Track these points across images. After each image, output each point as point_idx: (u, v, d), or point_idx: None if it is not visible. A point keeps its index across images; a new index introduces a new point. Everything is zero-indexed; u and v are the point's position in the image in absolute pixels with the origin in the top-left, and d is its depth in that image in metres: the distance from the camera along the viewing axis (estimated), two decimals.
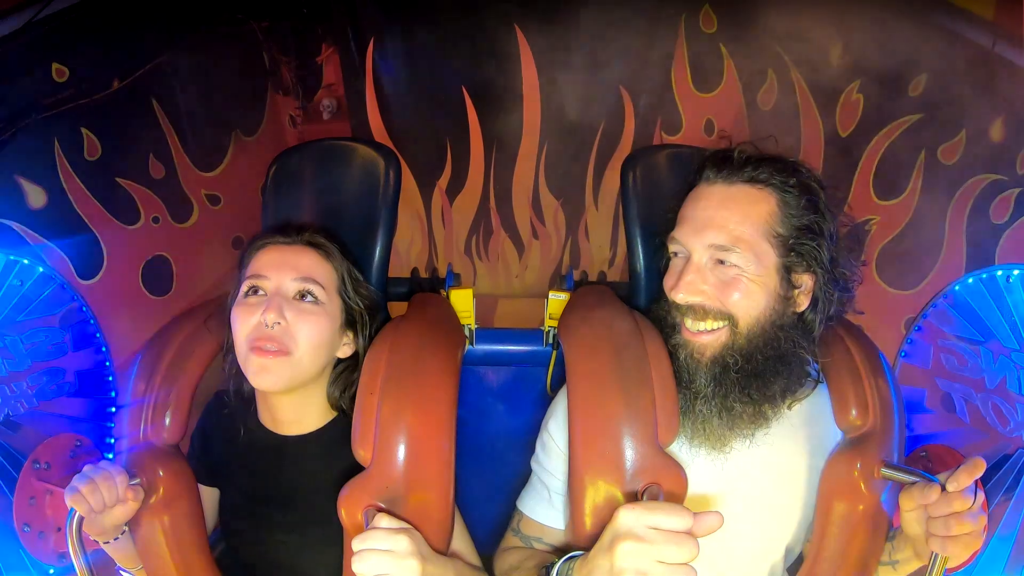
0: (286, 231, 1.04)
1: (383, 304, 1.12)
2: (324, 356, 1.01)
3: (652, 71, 2.16)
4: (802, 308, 0.95)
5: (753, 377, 0.91)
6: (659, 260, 1.05)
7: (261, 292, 0.98)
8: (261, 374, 0.94)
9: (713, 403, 0.91)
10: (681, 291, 0.91)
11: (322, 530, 1.00)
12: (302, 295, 0.98)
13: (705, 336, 0.91)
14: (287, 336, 0.95)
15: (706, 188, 0.94)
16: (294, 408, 1.03)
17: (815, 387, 0.99)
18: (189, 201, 1.64)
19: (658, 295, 1.01)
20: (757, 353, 0.91)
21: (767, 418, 0.94)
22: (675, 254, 0.96)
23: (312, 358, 0.98)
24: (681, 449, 0.95)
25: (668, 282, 0.95)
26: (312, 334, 0.97)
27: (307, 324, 0.97)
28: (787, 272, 0.91)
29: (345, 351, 1.05)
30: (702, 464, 0.95)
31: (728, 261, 0.90)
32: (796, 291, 0.93)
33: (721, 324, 0.91)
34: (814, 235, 0.91)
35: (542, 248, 2.41)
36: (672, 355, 0.93)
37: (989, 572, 1.12)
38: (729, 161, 0.93)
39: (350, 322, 1.04)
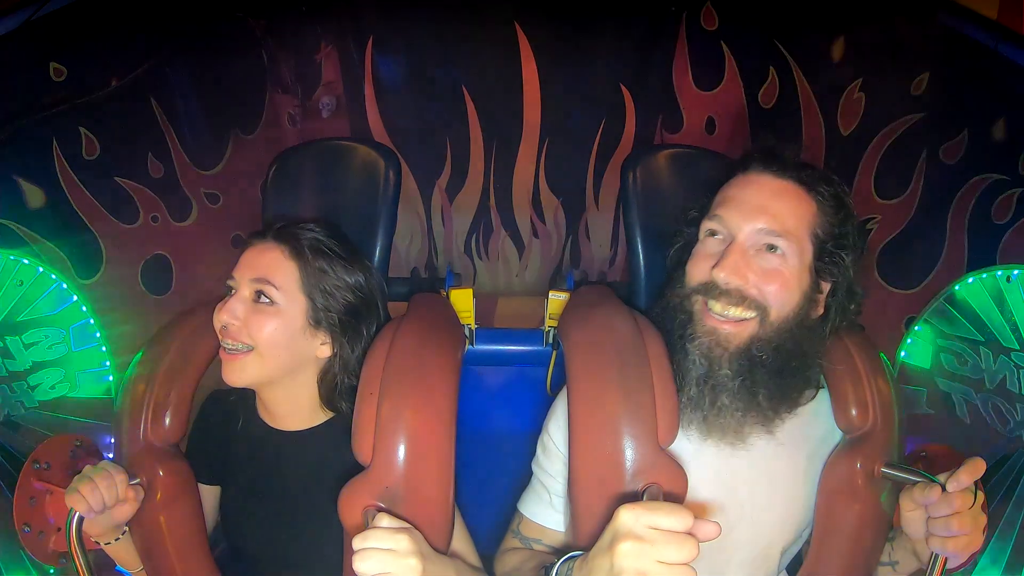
0: (264, 230, 1.03)
1: (374, 303, 1.08)
2: (286, 355, 0.99)
3: (653, 69, 2.15)
4: (819, 314, 0.94)
5: (777, 374, 0.90)
6: (662, 256, 1.04)
7: (233, 292, 0.99)
8: (226, 371, 0.98)
9: (738, 396, 0.89)
10: (724, 270, 0.87)
11: (322, 526, 1.00)
12: (257, 295, 0.98)
13: (731, 325, 0.89)
14: (243, 335, 0.96)
15: (756, 176, 0.93)
16: (282, 402, 1.04)
17: (816, 393, 0.99)
18: (188, 200, 1.64)
19: (659, 294, 1.00)
20: (783, 349, 0.90)
21: (780, 416, 0.93)
22: (713, 233, 0.93)
23: (272, 356, 0.97)
24: (689, 444, 0.94)
25: (700, 264, 0.92)
26: (265, 334, 0.97)
27: (258, 324, 0.96)
28: (816, 275, 0.91)
29: (324, 351, 1.02)
30: (706, 461, 0.94)
31: (778, 248, 0.88)
32: (819, 295, 0.93)
33: (752, 314, 0.88)
34: (843, 247, 0.92)
35: (542, 247, 2.40)
36: (686, 347, 0.90)
37: (989, 572, 1.12)
38: (778, 158, 0.93)
39: (321, 321, 1.01)
